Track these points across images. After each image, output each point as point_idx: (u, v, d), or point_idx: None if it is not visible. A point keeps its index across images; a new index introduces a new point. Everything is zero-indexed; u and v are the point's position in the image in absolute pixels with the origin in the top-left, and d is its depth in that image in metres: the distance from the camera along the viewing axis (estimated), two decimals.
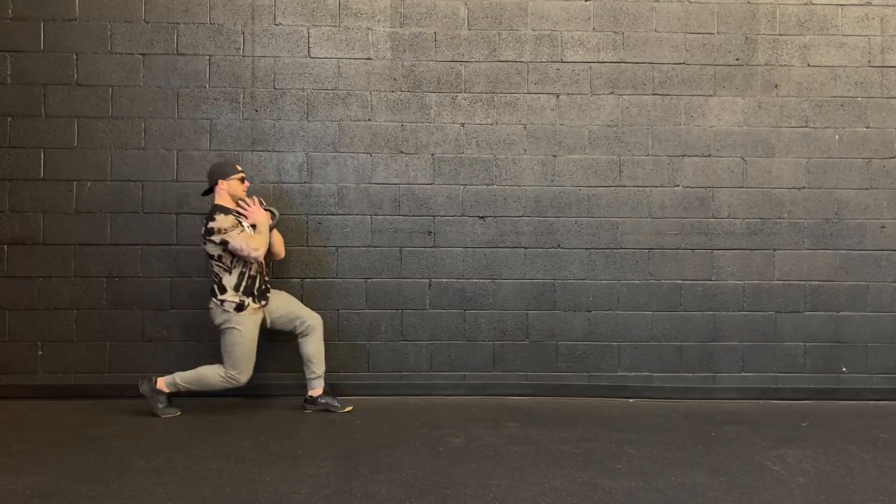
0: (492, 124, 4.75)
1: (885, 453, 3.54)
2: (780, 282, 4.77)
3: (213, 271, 4.10)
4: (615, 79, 4.77)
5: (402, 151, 4.72)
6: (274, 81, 4.69)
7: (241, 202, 4.20)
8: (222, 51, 4.68)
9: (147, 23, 4.66)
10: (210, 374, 4.11)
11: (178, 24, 4.66)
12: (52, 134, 4.61)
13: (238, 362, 4.07)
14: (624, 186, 4.76)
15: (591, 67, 4.77)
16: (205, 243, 4.05)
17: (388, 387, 4.69)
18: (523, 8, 4.75)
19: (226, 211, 4.09)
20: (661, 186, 4.77)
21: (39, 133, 4.61)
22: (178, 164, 4.66)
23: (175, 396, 4.24)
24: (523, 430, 3.90)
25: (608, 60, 4.77)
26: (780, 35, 4.79)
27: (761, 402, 4.69)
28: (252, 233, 4.11)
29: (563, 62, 4.76)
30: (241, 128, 4.68)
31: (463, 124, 4.74)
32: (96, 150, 4.63)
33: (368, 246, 4.70)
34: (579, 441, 3.68)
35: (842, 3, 4.80)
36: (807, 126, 4.80)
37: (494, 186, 4.75)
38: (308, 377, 4.30)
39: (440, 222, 4.73)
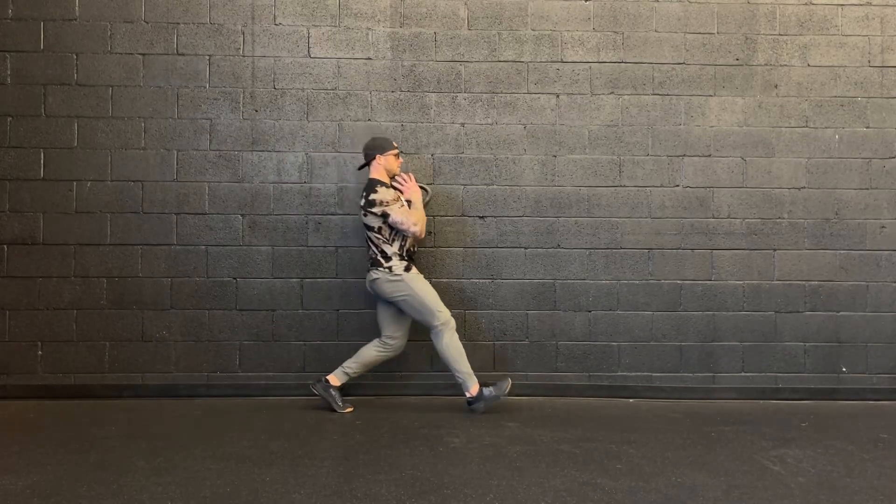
0: (492, 124, 4.75)
1: (885, 453, 3.53)
2: (780, 282, 4.77)
3: (373, 242, 4.18)
4: (615, 79, 4.77)
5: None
6: (274, 81, 4.69)
7: (397, 177, 4.28)
8: (222, 51, 4.68)
9: (147, 23, 4.66)
10: (442, 345, 4.15)
11: (178, 24, 4.66)
12: (52, 134, 4.61)
13: (433, 307, 4.14)
14: (624, 186, 4.76)
15: (591, 67, 4.77)
16: (365, 214, 4.13)
17: (389, 387, 4.69)
18: (523, 8, 4.75)
19: (385, 185, 4.17)
20: (661, 186, 4.77)
21: (39, 133, 4.61)
22: (178, 164, 4.66)
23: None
24: (523, 430, 3.90)
25: (608, 60, 4.77)
26: (780, 35, 4.79)
27: (761, 402, 4.69)
28: (409, 208, 4.19)
29: (563, 62, 4.76)
30: (241, 128, 4.68)
31: (463, 124, 4.74)
32: (96, 150, 4.63)
33: None
34: (579, 441, 3.68)
35: (842, 3, 4.80)
36: (807, 126, 4.80)
37: (494, 186, 4.75)
38: (343, 366, 4.28)
39: (440, 222, 4.73)
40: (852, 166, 4.79)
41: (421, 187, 4.36)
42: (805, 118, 4.80)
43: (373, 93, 4.72)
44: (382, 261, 4.15)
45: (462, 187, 4.74)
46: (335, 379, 4.27)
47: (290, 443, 3.61)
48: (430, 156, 4.73)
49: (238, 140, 4.68)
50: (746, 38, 4.79)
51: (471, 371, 4.21)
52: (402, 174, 4.33)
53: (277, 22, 4.70)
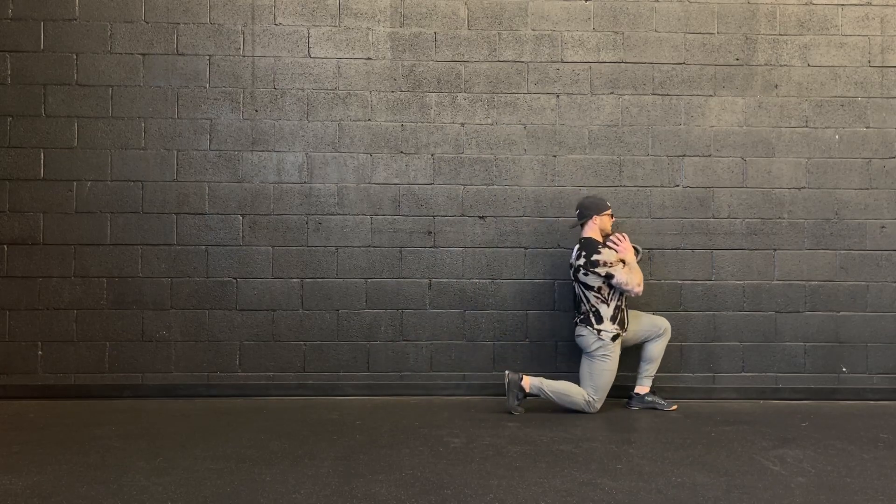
0: (492, 124, 4.75)
1: (885, 453, 3.53)
2: (780, 282, 4.77)
3: (589, 301, 4.23)
4: (615, 79, 4.77)
5: (402, 151, 4.72)
6: (274, 81, 4.69)
7: (611, 237, 4.33)
8: (222, 51, 4.68)
9: (147, 23, 4.66)
10: (576, 393, 4.23)
11: (178, 24, 4.66)
12: (52, 134, 4.61)
13: (602, 388, 4.23)
14: (624, 186, 4.76)
15: (591, 67, 4.77)
16: (585, 274, 4.18)
17: (388, 387, 4.69)
18: (523, 8, 4.75)
19: (605, 246, 4.24)
20: (661, 186, 4.77)
21: (39, 133, 4.61)
22: (178, 164, 4.66)
23: (526, 398, 4.27)
24: (523, 430, 3.90)
25: (608, 60, 4.77)
26: (780, 35, 4.79)
27: (761, 402, 4.69)
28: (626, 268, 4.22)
29: (563, 62, 4.76)
30: (241, 128, 4.68)
31: (463, 124, 4.74)
32: (96, 150, 4.63)
33: (368, 246, 4.70)
34: (579, 441, 3.68)
35: (842, 3, 4.80)
36: (807, 126, 4.80)
37: (494, 186, 4.75)
38: (641, 373, 4.40)
39: (440, 222, 4.73)
40: (852, 166, 4.79)
41: (633, 246, 4.40)
42: (805, 118, 4.79)
43: (373, 93, 4.72)
44: (595, 322, 4.20)
45: (462, 187, 4.74)
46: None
47: (290, 443, 3.61)
48: (430, 156, 4.73)
49: (238, 140, 4.68)
50: (746, 38, 4.79)
51: (543, 393, 4.23)
52: (616, 234, 4.36)
53: (277, 22, 4.70)
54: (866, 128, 4.81)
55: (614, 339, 4.21)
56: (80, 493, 2.87)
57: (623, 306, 4.29)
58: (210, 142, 4.67)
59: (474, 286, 4.74)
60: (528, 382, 4.23)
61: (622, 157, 4.76)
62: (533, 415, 4.24)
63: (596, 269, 4.15)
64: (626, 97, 4.77)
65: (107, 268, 4.62)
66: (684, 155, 4.78)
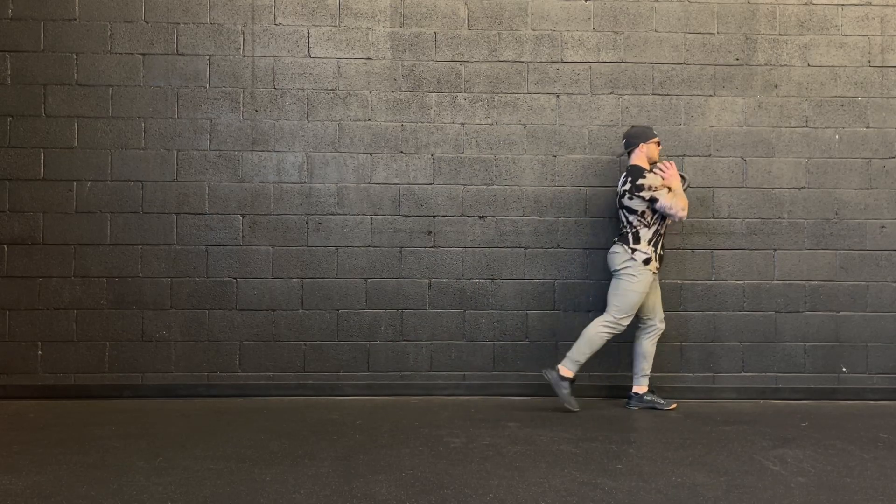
0: (492, 124, 4.75)
1: (885, 453, 3.53)
2: (780, 282, 4.77)
3: (630, 223, 4.27)
4: (615, 79, 4.77)
5: (402, 151, 4.72)
6: (274, 81, 4.69)
7: (658, 165, 4.34)
8: (222, 51, 4.68)
9: (147, 23, 4.66)
10: (595, 335, 4.25)
11: (178, 24, 4.66)
12: (52, 134, 4.61)
13: (627, 308, 4.24)
14: None
15: (591, 67, 4.77)
16: (630, 198, 4.23)
17: (388, 387, 4.69)
18: (523, 8, 4.75)
19: (650, 171, 4.26)
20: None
21: (39, 133, 4.61)
22: (178, 164, 4.66)
23: (573, 384, 4.30)
24: (523, 430, 3.90)
25: (608, 60, 4.77)
26: (780, 35, 4.79)
27: (761, 402, 4.69)
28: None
29: (563, 62, 4.76)
30: (241, 128, 4.68)
31: (463, 124, 4.74)
32: (96, 150, 4.63)
33: (368, 246, 4.70)
34: (579, 441, 3.68)
35: (842, 3, 4.80)
36: (807, 126, 4.80)
37: (494, 186, 4.75)
38: (637, 373, 4.44)
39: (440, 222, 4.73)
40: (852, 166, 4.79)
41: (681, 174, 4.41)
42: (805, 118, 4.80)
43: (373, 93, 4.72)
44: (632, 241, 4.25)
45: (462, 187, 4.74)
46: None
47: (290, 443, 3.61)
48: (430, 156, 4.73)
49: (238, 140, 4.68)
50: (746, 38, 4.79)
51: (581, 364, 4.27)
52: (662, 162, 4.37)
53: (277, 22, 4.70)
54: (866, 128, 4.81)
55: (646, 262, 4.22)
56: (80, 493, 2.87)
57: (663, 233, 4.32)
58: (210, 142, 4.67)
59: (474, 286, 4.74)
60: (565, 369, 4.27)
61: (622, 157, 4.75)
62: (533, 415, 4.24)
63: (640, 193, 4.19)
64: (626, 97, 4.77)
65: (107, 268, 4.62)
66: (684, 155, 4.78)
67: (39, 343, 4.60)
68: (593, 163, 4.76)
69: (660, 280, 4.76)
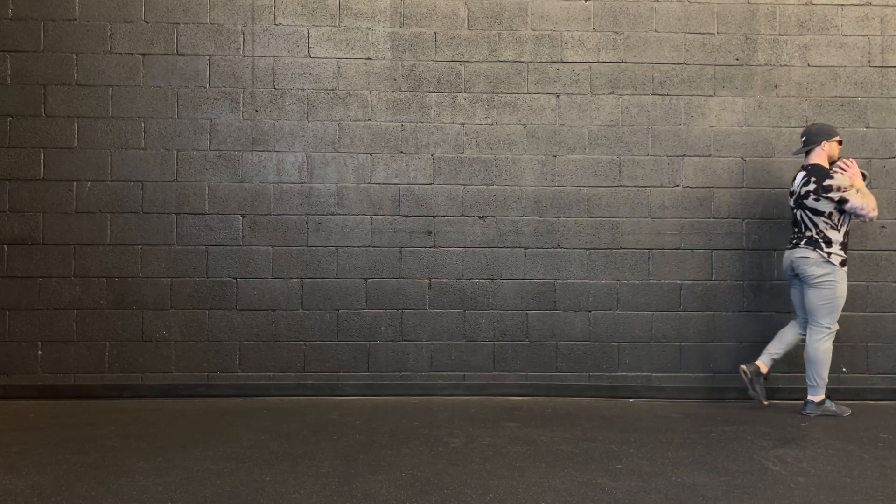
0: (492, 124, 4.75)
1: (885, 453, 3.53)
2: (780, 282, 4.77)
3: (816, 226, 4.20)
4: (615, 79, 4.77)
5: (402, 151, 4.72)
6: (274, 81, 4.69)
7: (839, 162, 4.28)
8: (222, 51, 4.68)
9: (147, 23, 4.66)
10: (818, 352, 4.22)
11: (178, 24, 4.66)
12: (52, 134, 4.61)
13: (836, 313, 4.20)
14: (624, 186, 4.76)
15: (591, 67, 4.77)
16: (817, 199, 4.16)
17: (388, 387, 4.69)
18: (523, 8, 4.75)
19: (836, 171, 4.20)
20: (661, 186, 4.77)
21: (39, 133, 4.61)
22: (178, 164, 4.66)
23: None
24: (523, 430, 3.90)
25: (608, 60, 4.77)
26: (780, 35, 4.79)
27: None
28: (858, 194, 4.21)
29: (563, 62, 4.76)
30: (241, 128, 4.68)
31: (463, 124, 4.74)
32: (96, 150, 4.63)
33: (368, 246, 4.70)
34: (579, 441, 3.68)
35: (842, 3, 4.80)
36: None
37: (494, 186, 4.75)
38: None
39: (440, 222, 4.73)
40: None
41: (862, 171, 4.34)
42: (805, 118, 4.79)
43: (373, 93, 4.72)
44: (823, 244, 4.17)
45: (462, 187, 4.74)
46: (763, 365, 4.32)
47: (290, 443, 3.61)
48: (430, 156, 4.73)
49: (238, 140, 4.68)
50: (746, 38, 4.79)
51: (826, 381, 4.27)
52: (842, 159, 4.30)
53: (277, 22, 4.70)
54: (866, 128, 4.80)
55: (843, 263, 4.18)
56: (80, 493, 2.87)
57: (849, 234, 4.27)
58: (210, 142, 4.67)
59: (474, 286, 4.74)
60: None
61: (622, 157, 4.76)
62: (533, 414, 4.24)
63: (829, 195, 4.12)
64: (626, 97, 4.77)
65: (107, 268, 4.62)
66: (684, 155, 4.78)
67: (39, 343, 4.60)
68: (593, 163, 4.76)
69: (659, 280, 4.76)
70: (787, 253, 4.34)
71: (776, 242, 4.77)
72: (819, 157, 4.28)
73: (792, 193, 4.35)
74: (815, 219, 4.19)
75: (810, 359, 4.25)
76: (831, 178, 4.13)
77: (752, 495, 2.91)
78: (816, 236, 4.19)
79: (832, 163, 4.31)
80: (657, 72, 4.78)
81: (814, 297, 4.21)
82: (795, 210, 4.31)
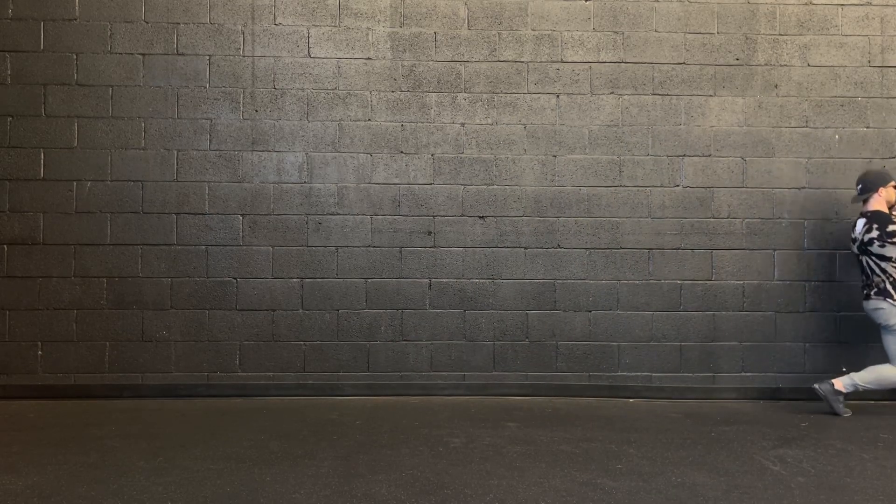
0: (492, 124, 4.75)
1: (885, 453, 3.53)
2: (780, 282, 4.77)
3: (886, 272, 4.25)
4: (615, 79, 4.77)
5: (402, 151, 4.72)
6: (274, 81, 4.69)
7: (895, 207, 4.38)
8: (222, 51, 4.68)
9: (147, 23, 4.66)
10: (889, 373, 4.23)
11: (178, 24, 4.66)
12: (52, 134, 4.61)
13: None
14: (624, 186, 4.76)
15: (591, 67, 4.77)
16: (882, 245, 4.23)
17: (388, 387, 4.69)
18: (523, 8, 4.75)
19: (894, 215, 4.31)
20: (661, 186, 4.77)
21: (39, 133, 4.61)
22: (178, 164, 4.66)
23: (847, 398, 4.33)
24: (523, 430, 3.90)
25: (608, 60, 4.77)
26: (780, 35, 4.79)
27: (761, 402, 4.69)
28: None
29: (563, 62, 4.76)
30: (241, 128, 4.68)
31: (463, 124, 4.74)
32: (96, 150, 4.63)
33: (368, 246, 4.70)
34: (579, 441, 3.68)
35: (842, 3, 4.80)
36: (807, 126, 4.80)
37: (494, 186, 4.75)
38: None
39: (440, 222, 4.73)
40: (852, 166, 4.79)
41: None
42: (805, 118, 4.79)
43: (373, 93, 4.72)
44: (893, 290, 4.21)
45: (462, 187, 4.74)
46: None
47: (290, 443, 3.61)
48: (430, 156, 4.73)
49: (238, 140, 4.68)
50: (746, 38, 4.79)
51: (863, 391, 4.29)
52: None
53: (277, 22, 4.70)
54: (866, 128, 4.81)
55: None
56: (80, 493, 2.87)
57: None
58: (210, 142, 4.67)
59: (474, 286, 4.74)
60: (841, 384, 4.27)
61: (622, 157, 4.76)
62: (533, 414, 4.24)
63: (894, 240, 4.18)
64: (626, 97, 4.77)
65: (107, 268, 4.62)
66: (684, 155, 4.78)
67: (39, 343, 4.60)
68: (593, 163, 4.76)
69: (659, 280, 4.76)
70: (864, 303, 4.39)
71: (776, 242, 4.77)
72: (878, 203, 4.35)
73: (854, 240, 4.39)
74: (883, 264, 4.26)
75: (876, 371, 4.26)
76: (894, 223, 4.22)
77: (752, 495, 2.91)
78: (884, 281, 4.25)
79: (891, 207, 4.37)
80: (657, 72, 4.78)
81: (889, 341, 4.28)
82: (861, 257, 4.36)
